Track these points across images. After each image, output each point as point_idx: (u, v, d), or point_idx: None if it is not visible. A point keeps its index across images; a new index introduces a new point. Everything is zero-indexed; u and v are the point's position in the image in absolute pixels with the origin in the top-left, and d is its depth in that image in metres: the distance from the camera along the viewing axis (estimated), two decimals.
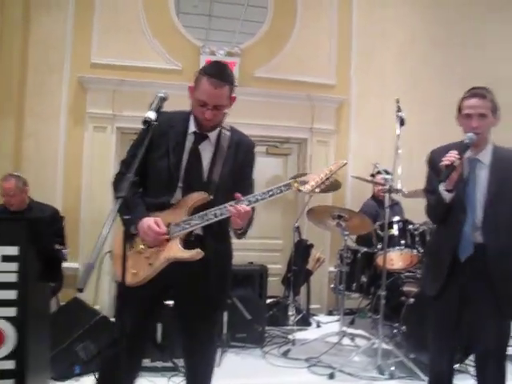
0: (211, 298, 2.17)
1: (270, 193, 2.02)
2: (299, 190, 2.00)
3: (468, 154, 2.42)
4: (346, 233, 4.06)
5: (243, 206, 1.99)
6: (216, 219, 2.04)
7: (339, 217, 4.09)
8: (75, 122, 5.03)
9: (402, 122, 3.87)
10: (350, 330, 4.38)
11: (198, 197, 2.09)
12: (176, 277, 2.10)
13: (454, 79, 5.23)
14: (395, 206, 4.86)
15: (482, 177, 2.40)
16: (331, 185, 2.13)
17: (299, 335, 4.36)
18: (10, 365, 2.13)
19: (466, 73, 5.24)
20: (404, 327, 3.57)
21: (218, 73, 2.09)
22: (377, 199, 4.88)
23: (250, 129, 5.28)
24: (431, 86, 5.51)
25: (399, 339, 3.66)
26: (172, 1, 5.26)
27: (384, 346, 3.61)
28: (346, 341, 4.09)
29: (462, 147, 2.35)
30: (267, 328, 4.40)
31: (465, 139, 2.37)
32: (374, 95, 5.42)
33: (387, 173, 3.96)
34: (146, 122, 2.02)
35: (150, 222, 2.03)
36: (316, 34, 5.42)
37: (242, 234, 2.15)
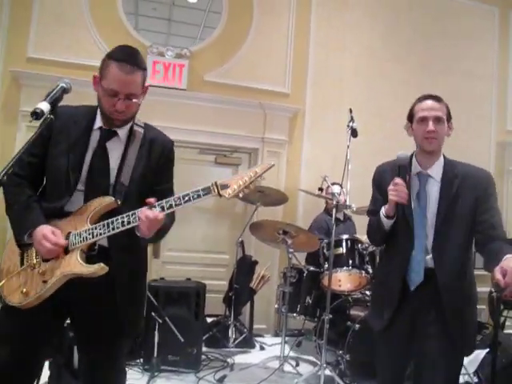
0: (117, 324, 1.81)
1: (186, 198, 1.69)
2: (220, 195, 1.67)
3: (416, 168, 2.15)
4: (291, 250, 3.74)
5: (154, 212, 1.66)
6: (123, 228, 1.71)
7: (284, 232, 3.78)
8: (6, 120, 4.57)
9: (354, 133, 3.62)
10: (295, 354, 4.06)
11: (102, 202, 1.77)
12: (74, 296, 1.76)
13: (410, 93, 5.01)
14: (348, 222, 4.60)
15: (433, 194, 2.13)
16: (272, 196, 1.82)
17: (240, 358, 4.00)
18: None
19: (422, 88, 5.06)
20: (348, 355, 3.27)
21: (129, 57, 1.79)
22: (330, 213, 4.60)
23: (198, 136, 5.06)
24: (387, 100, 5.31)
25: (343, 367, 3.35)
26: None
27: (328, 372, 3.30)
28: (289, 366, 3.75)
29: (400, 170, 2.09)
30: (205, 350, 4.04)
31: (396, 159, 2.11)
32: (330, 106, 5.18)
33: (340, 186, 3.69)
34: (35, 113, 1.67)
35: (46, 231, 1.70)
36: (271, 41, 5.15)
37: (147, 241, 1.81)
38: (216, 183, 1.68)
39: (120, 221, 1.72)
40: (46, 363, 2.83)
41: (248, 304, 4.49)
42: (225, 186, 1.68)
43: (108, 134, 1.85)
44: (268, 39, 5.14)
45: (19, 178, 1.82)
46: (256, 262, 4.42)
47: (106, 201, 1.77)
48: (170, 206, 1.69)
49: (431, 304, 2.06)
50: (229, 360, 3.92)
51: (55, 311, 1.78)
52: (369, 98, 5.28)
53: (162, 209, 1.69)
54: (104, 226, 1.73)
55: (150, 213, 1.67)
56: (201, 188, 1.69)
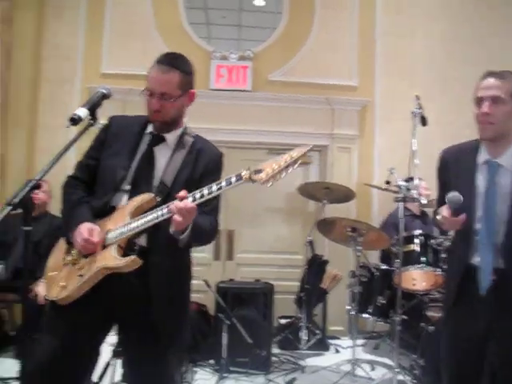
0: (155, 327, 1.78)
1: (218, 186, 1.63)
2: (252, 180, 1.56)
3: (484, 155, 1.91)
4: (359, 248, 3.56)
5: (185, 202, 1.63)
6: (156, 221, 1.70)
7: (353, 230, 3.60)
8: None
9: (423, 122, 3.37)
10: (372, 358, 3.85)
11: (143, 199, 1.78)
12: (114, 294, 1.77)
13: None
14: (427, 217, 4.30)
15: (505, 185, 1.88)
16: (339, 192, 1.68)
17: (312, 361, 3.88)
18: None
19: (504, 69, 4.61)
20: (422, 360, 3.02)
21: (168, 59, 1.87)
22: (406, 208, 4.32)
23: (266, 136, 5.03)
24: (464, 86, 4.89)
25: (418, 372, 3.11)
26: (182, 8, 5.01)
27: (401, 378, 3.08)
28: (363, 370, 3.55)
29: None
30: (278, 352, 3.99)
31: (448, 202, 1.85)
32: (401, 96, 4.85)
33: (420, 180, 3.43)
34: (72, 119, 1.74)
35: (82, 228, 1.75)
36: (335, 34, 4.97)
37: (186, 242, 1.75)
38: (249, 168, 1.58)
39: (154, 214, 1.71)
40: (119, 361, 2.93)
41: (321, 305, 4.35)
42: (258, 171, 1.56)
43: (156, 138, 1.89)
44: (332, 32, 4.97)
45: (75, 180, 1.94)
46: (326, 262, 4.26)
47: (146, 197, 1.78)
48: (202, 196, 1.65)
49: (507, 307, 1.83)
50: (301, 362, 3.82)
51: (97, 314, 1.79)
52: (443, 85, 4.90)
53: (194, 198, 1.65)
54: (140, 220, 1.73)
55: (180, 203, 1.63)
56: (234, 175, 1.62)
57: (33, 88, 4.84)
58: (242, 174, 1.59)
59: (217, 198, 1.90)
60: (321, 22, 5.00)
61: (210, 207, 1.88)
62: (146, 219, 1.72)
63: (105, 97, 1.90)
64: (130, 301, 1.78)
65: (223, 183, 1.63)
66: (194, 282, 4.11)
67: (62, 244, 1.91)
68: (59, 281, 1.79)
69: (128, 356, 1.91)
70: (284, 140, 4.92)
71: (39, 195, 3.91)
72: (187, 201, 1.64)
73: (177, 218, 1.63)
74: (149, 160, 1.87)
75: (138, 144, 1.90)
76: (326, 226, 3.82)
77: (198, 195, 1.65)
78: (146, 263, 1.74)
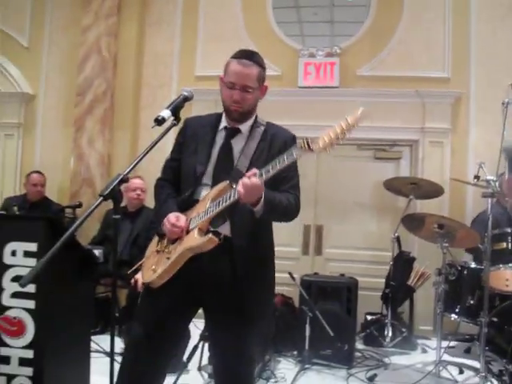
0: (239, 310, 1.92)
1: (281, 159, 1.73)
2: (310, 149, 1.64)
3: None
4: (446, 245, 3.45)
5: (250, 178, 1.74)
6: (229, 202, 1.83)
7: (439, 226, 3.50)
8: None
9: None
10: (461, 360, 3.71)
11: (219, 187, 1.92)
12: (199, 275, 1.93)
13: None
14: None
15: None
16: (427, 188, 1.68)
17: (397, 359, 3.83)
18: (28, 354, 2.21)
19: None
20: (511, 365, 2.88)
21: (247, 54, 2.04)
22: (502, 205, 4.09)
23: (355, 132, 4.99)
24: None
25: (507, 379, 2.96)
26: (270, 8, 5.16)
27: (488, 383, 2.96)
28: (449, 372, 3.44)
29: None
30: (362, 348, 3.99)
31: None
32: (499, 87, 4.57)
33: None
34: (157, 120, 1.94)
35: (170, 216, 1.94)
36: (426, 24, 4.81)
37: (261, 214, 1.85)
38: (306, 138, 1.66)
39: (227, 195, 1.84)
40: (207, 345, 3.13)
41: (408, 303, 4.27)
42: (314, 141, 1.64)
43: (232, 131, 2.03)
44: (422, 22, 4.82)
45: (163, 181, 2.14)
46: (413, 259, 4.17)
47: (222, 185, 1.91)
48: (268, 171, 1.75)
49: None
50: (385, 360, 3.78)
51: (185, 296, 1.95)
52: None
53: (261, 174, 1.75)
54: (215, 203, 1.87)
55: (245, 179, 1.75)
56: (293, 147, 1.71)
57: (135, 93, 5.29)
58: (301, 144, 1.66)
59: (294, 176, 2.02)
60: (410, 13, 4.87)
61: (288, 185, 1.99)
62: (221, 201, 1.85)
63: (186, 99, 2.06)
64: (215, 285, 1.92)
65: (285, 156, 1.72)
66: (280, 275, 4.26)
67: (155, 238, 2.12)
68: (151, 265, 2.00)
69: (212, 338, 2.06)
70: (373, 135, 4.87)
71: (142, 195, 4.36)
72: (254, 177, 1.75)
73: (239, 189, 1.75)
74: (227, 152, 2.01)
75: (213, 140, 2.04)
76: (412, 223, 3.74)
77: (263, 171, 1.76)
78: (231, 249, 1.88)
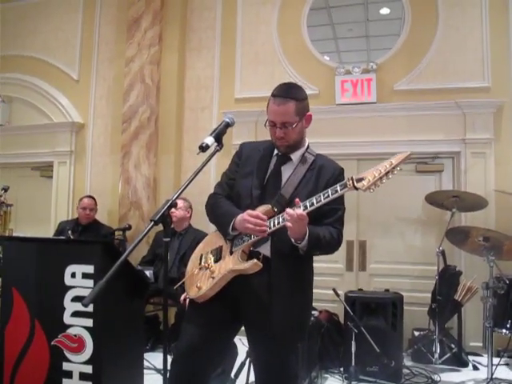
0: (277, 326, 1.99)
1: (326, 194, 1.85)
2: (355, 188, 1.77)
3: None
4: (493, 258, 3.41)
5: (296, 210, 1.85)
6: (274, 228, 1.94)
7: (485, 239, 3.47)
8: (223, 153, 5.36)
9: None
10: None
11: (262, 209, 2.02)
12: (239, 293, 2.04)
13: None
14: None
15: None
16: (469, 200, 1.77)
17: (447, 376, 3.78)
18: (88, 369, 2.37)
19: None
20: None
21: (281, 91, 2.09)
22: None
23: (395, 146, 5.00)
24: None
25: None
26: (305, 27, 5.29)
27: None
28: None
29: None
30: (410, 364, 3.95)
31: None
32: None
33: None
34: (202, 147, 2.07)
35: (245, 214, 2.00)
36: (463, 33, 4.79)
37: (306, 250, 1.97)
38: (352, 177, 1.79)
39: (272, 222, 1.95)
40: None
41: (456, 318, 4.20)
42: (360, 179, 1.77)
43: (283, 158, 2.15)
44: (459, 32, 4.81)
45: (218, 195, 2.24)
46: (460, 273, 4.11)
47: (264, 208, 2.01)
48: (312, 204, 1.86)
49: None
50: (434, 377, 3.74)
51: (227, 312, 2.07)
52: None
53: (306, 207, 1.87)
54: None
55: (291, 211, 1.86)
56: (338, 184, 1.83)
57: (178, 117, 5.52)
58: (347, 183, 1.79)
59: (339, 210, 2.09)
60: (446, 22, 4.87)
61: (332, 218, 2.07)
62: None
63: (228, 125, 2.18)
64: (253, 302, 2.02)
65: (329, 192, 1.83)
66: (324, 291, 4.31)
67: (195, 253, 2.25)
68: (196, 282, 2.11)
69: (253, 354, 2.16)
70: (414, 149, 4.81)
71: (175, 212, 4.47)
72: (299, 209, 1.85)
73: (288, 223, 1.86)
74: (276, 177, 2.12)
75: (268, 164, 2.16)
76: (457, 236, 3.72)
77: (308, 204, 1.87)
78: (269, 270, 1.98)
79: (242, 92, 5.38)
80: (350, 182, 1.77)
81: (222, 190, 2.24)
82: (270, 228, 1.95)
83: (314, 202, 1.86)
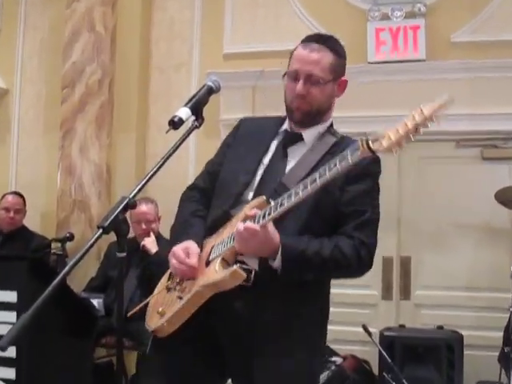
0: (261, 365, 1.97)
1: (332, 165, 1.73)
2: (370, 150, 1.67)
3: None
4: None
5: (247, 224, 1.84)
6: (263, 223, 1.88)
7: None
8: (207, 133, 5.33)
9: None
10: None
11: (253, 203, 2.00)
12: (219, 328, 2.03)
13: None
14: None
15: None
16: None
17: None
18: None
19: None
20: None
21: (318, 37, 2.15)
22: None
23: (453, 123, 4.89)
24: None
25: None
26: None
27: None
28: None
29: None
30: None
31: None
32: None
33: None
34: (173, 122, 2.00)
35: (176, 249, 2.04)
36: None
37: (285, 273, 1.91)
38: (365, 136, 1.69)
39: (260, 216, 1.87)
40: None
41: None
42: (377, 138, 1.68)
43: (292, 137, 2.14)
44: None
45: (192, 191, 2.27)
46: None
47: (258, 200, 1.98)
48: (288, 197, 1.79)
49: None
50: None
51: (208, 362, 2.05)
52: None
53: (278, 204, 1.81)
54: None
55: (239, 223, 1.86)
56: (348, 149, 1.72)
57: (142, 80, 5.52)
58: (359, 144, 1.68)
59: (365, 212, 2.03)
60: None
61: (350, 225, 2.00)
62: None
63: (212, 91, 2.14)
64: (237, 343, 2.00)
65: (337, 162, 1.71)
66: (350, 328, 4.29)
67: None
68: (159, 307, 2.10)
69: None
70: (479, 126, 4.88)
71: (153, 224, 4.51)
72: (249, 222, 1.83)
73: (237, 244, 1.87)
74: (280, 160, 2.11)
75: (268, 145, 2.17)
76: None
77: (278, 202, 1.81)
78: (257, 290, 1.93)
79: (233, 45, 5.37)
80: (364, 143, 1.68)
81: (201, 181, 2.29)
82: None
83: (300, 190, 1.77)
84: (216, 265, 1.97)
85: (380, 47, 5.00)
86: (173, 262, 2.04)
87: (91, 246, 1.73)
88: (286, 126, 2.19)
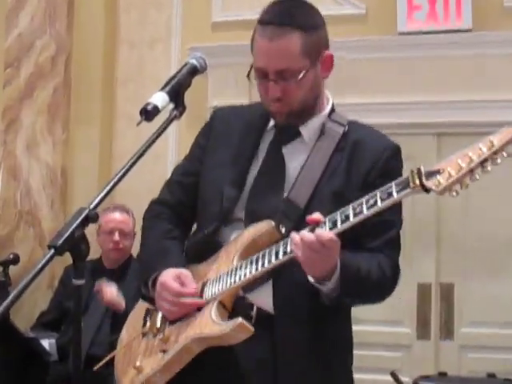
0: None
1: (371, 201, 1.77)
2: (425, 189, 1.69)
3: None
4: None
5: (319, 231, 1.79)
6: (278, 261, 1.89)
7: None
8: (191, 124, 5.33)
9: None
10: None
11: (258, 230, 2.00)
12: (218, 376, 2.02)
13: None
14: None
15: None
16: None
17: None
18: None
19: None
20: None
21: (276, 15, 2.05)
22: None
23: (498, 111, 4.94)
24: None
25: None
26: None
27: None
28: None
29: None
30: None
31: None
32: None
33: None
34: (146, 111, 1.99)
35: (166, 277, 2.02)
36: None
37: (334, 297, 1.91)
38: (418, 170, 1.69)
39: (274, 251, 1.90)
40: None
41: None
42: (433, 174, 1.69)
43: (286, 133, 2.14)
44: None
45: (161, 206, 2.27)
46: None
47: (263, 227, 1.98)
48: (346, 218, 1.79)
49: None
50: None
51: None
52: None
53: (334, 224, 1.80)
54: (252, 262, 1.94)
55: (307, 234, 1.79)
56: (394, 183, 1.75)
57: (108, 57, 5.54)
58: (409, 179, 1.70)
59: (395, 224, 2.08)
60: None
61: (381, 239, 2.04)
62: (261, 262, 1.91)
63: (196, 71, 2.12)
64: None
65: (378, 196, 1.75)
66: (377, 376, 4.30)
67: (140, 305, 2.24)
68: (134, 360, 2.09)
69: None
70: None
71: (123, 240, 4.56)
72: (322, 229, 1.80)
73: (300, 255, 1.79)
74: (275, 166, 2.11)
75: (257, 146, 2.15)
76: None
77: (338, 219, 1.80)
78: (272, 336, 1.96)
79: (224, 11, 5.41)
80: (415, 178, 1.70)
81: (168, 194, 2.29)
82: (263, 266, 1.90)
83: (350, 213, 1.79)
84: (212, 311, 1.96)
85: (413, 14, 5.01)
86: (165, 296, 2.00)
87: (41, 270, 1.73)
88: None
